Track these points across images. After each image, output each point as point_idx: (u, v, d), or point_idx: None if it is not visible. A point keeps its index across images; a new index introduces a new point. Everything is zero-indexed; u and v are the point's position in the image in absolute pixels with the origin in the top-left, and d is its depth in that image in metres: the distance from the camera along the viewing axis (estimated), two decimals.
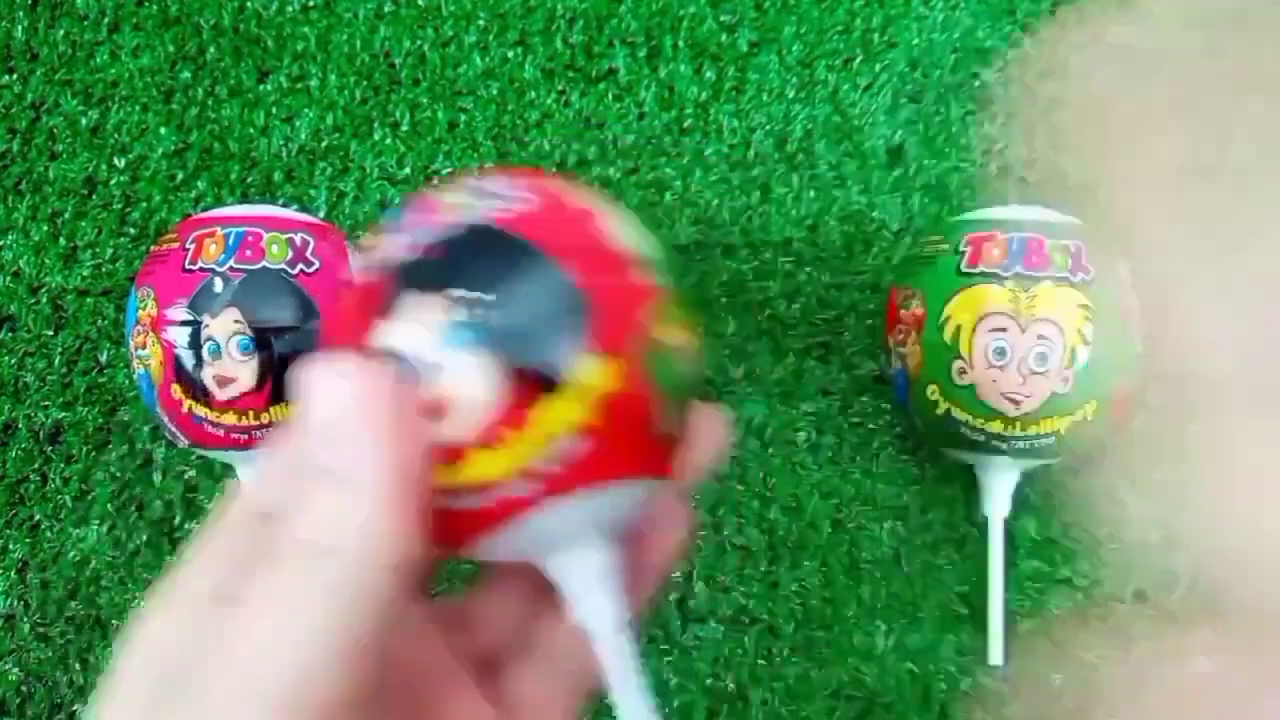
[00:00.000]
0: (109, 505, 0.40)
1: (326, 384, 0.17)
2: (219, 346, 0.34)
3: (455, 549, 0.20)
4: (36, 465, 0.41)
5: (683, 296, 0.20)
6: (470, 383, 0.17)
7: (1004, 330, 0.34)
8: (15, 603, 0.40)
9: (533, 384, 0.18)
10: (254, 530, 0.18)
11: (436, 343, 0.18)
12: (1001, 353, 0.34)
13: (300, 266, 0.35)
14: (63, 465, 0.41)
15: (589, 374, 0.18)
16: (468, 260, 0.18)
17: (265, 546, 0.17)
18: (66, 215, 0.44)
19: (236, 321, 0.34)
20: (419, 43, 0.46)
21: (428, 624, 0.23)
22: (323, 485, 0.17)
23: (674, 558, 0.23)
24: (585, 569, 0.20)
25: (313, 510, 0.17)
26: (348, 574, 0.16)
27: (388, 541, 0.17)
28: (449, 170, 0.45)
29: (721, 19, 0.47)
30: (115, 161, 0.45)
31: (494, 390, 0.17)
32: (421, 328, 0.18)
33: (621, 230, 0.20)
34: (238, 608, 0.16)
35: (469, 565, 0.24)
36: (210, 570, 0.18)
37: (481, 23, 0.46)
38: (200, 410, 0.34)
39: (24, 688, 0.39)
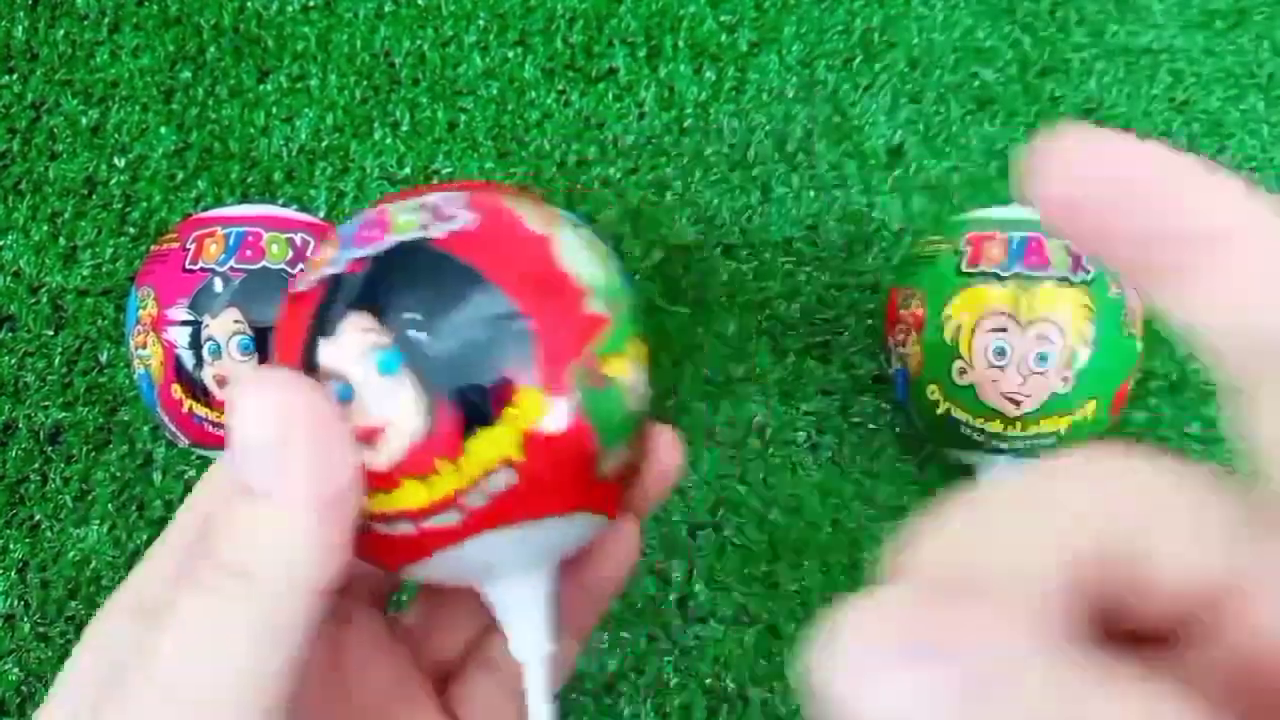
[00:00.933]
0: (109, 505, 0.40)
1: (256, 400, 0.17)
2: (219, 346, 0.34)
3: (389, 571, 0.19)
4: (36, 465, 0.41)
5: (637, 327, 0.20)
6: (402, 409, 0.17)
7: (1004, 330, 0.34)
8: (15, 603, 0.40)
9: (466, 414, 0.17)
10: (199, 539, 0.18)
11: (371, 366, 0.17)
12: (1001, 352, 0.34)
13: (300, 266, 0.35)
14: (63, 465, 0.41)
15: (525, 408, 0.17)
16: (406, 282, 0.18)
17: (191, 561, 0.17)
18: (66, 215, 0.44)
19: (237, 321, 0.34)
20: (419, 43, 0.46)
21: (386, 638, 0.23)
22: (246, 504, 0.17)
23: (618, 588, 0.23)
24: (515, 597, 0.19)
25: (234, 529, 0.17)
26: (262, 598, 0.16)
27: (307, 567, 0.16)
28: (449, 170, 0.45)
29: (721, 19, 0.47)
30: (115, 161, 0.45)
31: (425, 418, 0.17)
32: (357, 349, 0.17)
33: (574, 256, 0.19)
34: (161, 622, 0.16)
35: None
36: (156, 577, 0.18)
37: (481, 23, 0.46)
38: (200, 410, 0.34)
39: (24, 688, 0.39)
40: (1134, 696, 0.10)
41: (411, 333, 0.17)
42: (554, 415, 0.17)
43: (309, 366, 0.18)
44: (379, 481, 0.17)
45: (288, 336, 0.18)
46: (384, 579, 0.24)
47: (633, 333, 0.19)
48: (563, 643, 0.21)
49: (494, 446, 0.17)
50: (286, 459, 0.16)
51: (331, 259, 0.18)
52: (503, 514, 0.18)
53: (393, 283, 0.18)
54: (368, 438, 0.17)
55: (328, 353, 0.17)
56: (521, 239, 0.18)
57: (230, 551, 0.16)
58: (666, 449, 0.21)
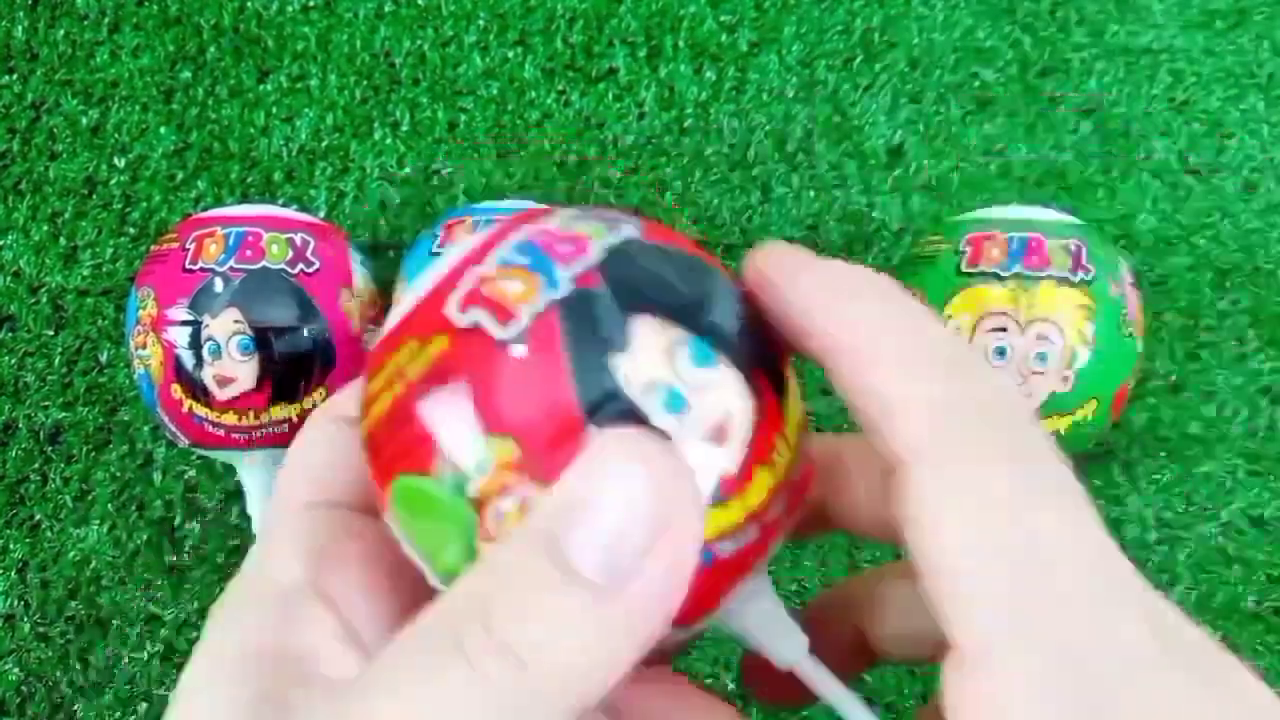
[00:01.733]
0: (109, 505, 0.40)
1: (624, 478, 0.14)
2: (219, 346, 0.34)
3: (688, 622, 0.16)
4: (36, 465, 0.41)
5: None
6: (736, 394, 0.16)
7: (1004, 330, 0.34)
8: (15, 603, 0.40)
9: (774, 383, 0.16)
10: (341, 523, 0.16)
11: (685, 362, 0.15)
12: (1001, 353, 0.34)
13: (300, 266, 0.35)
14: (63, 465, 0.41)
15: (791, 375, 0.17)
16: (662, 276, 0.16)
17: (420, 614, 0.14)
18: (66, 215, 0.44)
19: (237, 321, 0.34)
20: (419, 43, 0.46)
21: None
22: (561, 588, 0.14)
23: None
24: (764, 600, 0.18)
25: (530, 610, 0.14)
26: (528, 696, 0.13)
27: (599, 674, 0.14)
28: (449, 170, 0.45)
29: (721, 19, 0.47)
30: (115, 161, 0.45)
31: (754, 398, 0.16)
32: (661, 349, 0.15)
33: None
34: (374, 675, 0.14)
35: None
36: (271, 581, 0.16)
37: (481, 23, 0.46)
38: (200, 410, 0.34)
39: (24, 688, 0.39)
40: None
41: (704, 317, 0.16)
42: (796, 382, 0.17)
43: (609, 394, 0.15)
44: (730, 488, 0.15)
45: (543, 384, 0.15)
46: None
47: None
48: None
49: (796, 411, 0.17)
50: (648, 559, 0.14)
51: (537, 287, 0.16)
52: (805, 490, 0.16)
53: (649, 279, 0.16)
54: (720, 436, 0.15)
55: (630, 366, 0.15)
56: (677, 236, 0.18)
57: (512, 631, 0.14)
58: None
